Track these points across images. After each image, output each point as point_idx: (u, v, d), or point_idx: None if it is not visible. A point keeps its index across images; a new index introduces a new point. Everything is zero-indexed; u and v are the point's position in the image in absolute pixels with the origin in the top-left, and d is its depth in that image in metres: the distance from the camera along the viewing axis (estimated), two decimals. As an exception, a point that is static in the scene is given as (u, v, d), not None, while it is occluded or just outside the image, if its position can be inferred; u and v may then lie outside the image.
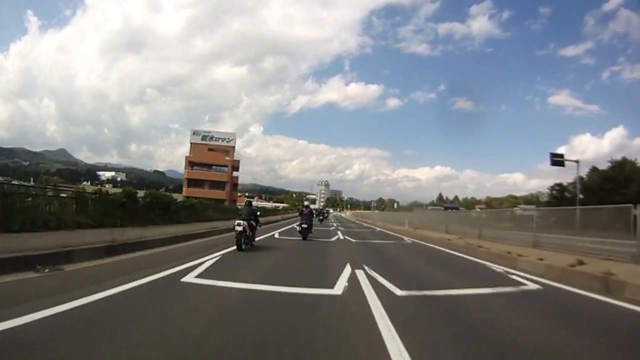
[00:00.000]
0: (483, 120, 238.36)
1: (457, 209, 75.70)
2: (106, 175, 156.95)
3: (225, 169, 58.53)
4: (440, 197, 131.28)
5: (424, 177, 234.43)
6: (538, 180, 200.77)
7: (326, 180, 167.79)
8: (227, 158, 58.39)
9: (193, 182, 58.32)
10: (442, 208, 78.96)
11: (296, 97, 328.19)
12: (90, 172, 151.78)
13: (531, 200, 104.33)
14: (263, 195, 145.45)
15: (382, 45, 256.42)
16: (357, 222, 42.74)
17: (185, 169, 60.93)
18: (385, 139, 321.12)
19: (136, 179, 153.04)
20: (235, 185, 63.56)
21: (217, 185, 57.08)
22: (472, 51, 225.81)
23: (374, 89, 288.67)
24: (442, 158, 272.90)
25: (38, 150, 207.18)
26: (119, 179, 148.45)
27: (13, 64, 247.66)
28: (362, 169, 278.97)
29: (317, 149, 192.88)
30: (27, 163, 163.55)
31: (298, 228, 12.75)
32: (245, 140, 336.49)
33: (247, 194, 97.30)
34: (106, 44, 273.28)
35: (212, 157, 59.05)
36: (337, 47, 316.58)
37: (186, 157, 62.04)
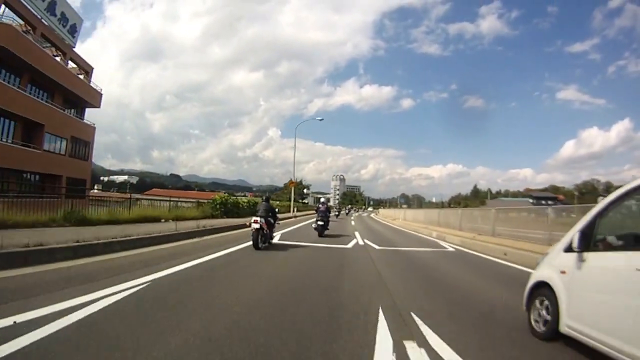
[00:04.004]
0: (493, 117, 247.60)
1: (553, 200, 55.81)
2: (120, 179, 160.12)
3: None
4: (475, 189, 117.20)
5: (437, 174, 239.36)
6: (547, 174, 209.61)
7: (341, 175, 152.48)
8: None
9: None
10: (530, 201, 60.14)
11: (312, 100, 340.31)
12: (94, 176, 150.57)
13: (582, 189, 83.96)
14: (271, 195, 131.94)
15: (394, 47, 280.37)
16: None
17: None
18: (399, 139, 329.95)
19: (151, 182, 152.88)
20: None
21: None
22: (482, 50, 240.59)
23: (387, 91, 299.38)
24: (454, 156, 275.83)
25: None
26: (131, 181, 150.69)
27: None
28: (377, 169, 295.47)
29: (334, 150, 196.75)
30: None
31: (314, 225, 12.72)
32: (263, 143, 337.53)
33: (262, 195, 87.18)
34: (125, 53, 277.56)
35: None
36: (351, 50, 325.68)
37: None
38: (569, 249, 3.07)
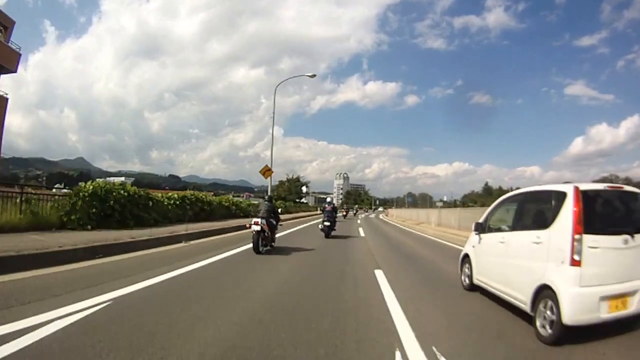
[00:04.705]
0: (500, 114, 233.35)
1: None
2: (116, 180, 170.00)
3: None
4: (486, 186, 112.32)
5: (443, 173, 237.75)
6: (555, 172, 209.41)
7: (345, 173, 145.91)
8: None
9: None
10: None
11: (315, 97, 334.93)
12: (83, 176, 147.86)
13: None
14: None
15: (398, 42, 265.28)
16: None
17: None
18: (404, 137, 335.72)
19: (148, 183, 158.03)
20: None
21: None
22: (488, 44, 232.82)
23: (392, 87, 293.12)
24: (460, 154, 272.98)
25: (57, 159, 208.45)
26: (127, 182, 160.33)
27: (32, 75, 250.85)
28: (382, 168, 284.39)
29: (337, 149, 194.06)
30: (40, 172, 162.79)
31: (320, 226, 12.67)
32: (266, 143, 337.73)
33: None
34: (122, 50, 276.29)
35: None
36: (354, 46, 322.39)
37: None
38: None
